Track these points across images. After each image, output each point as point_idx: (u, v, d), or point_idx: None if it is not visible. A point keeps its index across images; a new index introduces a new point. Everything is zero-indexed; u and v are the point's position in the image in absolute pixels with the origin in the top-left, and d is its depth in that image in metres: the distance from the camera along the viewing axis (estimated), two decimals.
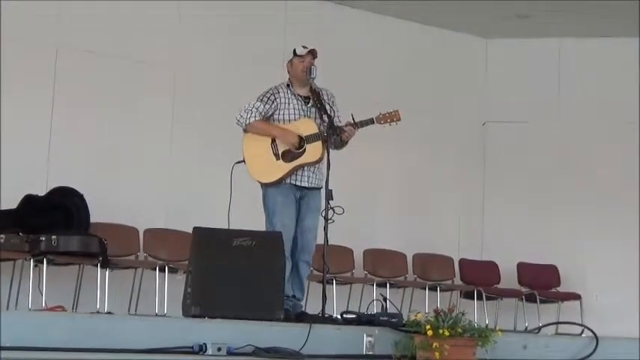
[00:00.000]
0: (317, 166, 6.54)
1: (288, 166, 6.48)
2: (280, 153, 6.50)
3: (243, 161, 6.52)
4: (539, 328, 8.43)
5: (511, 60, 11.07)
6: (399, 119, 6.62)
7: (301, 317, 6.24)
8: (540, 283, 10.11)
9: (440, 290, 9.61)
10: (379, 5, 10.14)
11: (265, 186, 6.55)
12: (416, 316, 5.76)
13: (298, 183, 6.52)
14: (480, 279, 9.95)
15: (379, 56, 10.35)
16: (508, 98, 11.00)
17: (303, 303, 6.66)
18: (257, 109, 6.53)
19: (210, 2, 9.29)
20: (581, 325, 7.74)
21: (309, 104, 6.61)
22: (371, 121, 6.57)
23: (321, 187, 6.45)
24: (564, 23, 10.43)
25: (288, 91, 6.62)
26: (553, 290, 10.13)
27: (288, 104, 6.58)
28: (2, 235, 7.41)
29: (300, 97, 6.62)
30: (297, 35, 8.65)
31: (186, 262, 6.31)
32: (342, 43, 9.88)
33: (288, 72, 6.68)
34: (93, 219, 7.97)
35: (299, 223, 6.53)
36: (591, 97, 10.72)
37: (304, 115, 6.58)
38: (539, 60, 10.97)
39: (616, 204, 10.42)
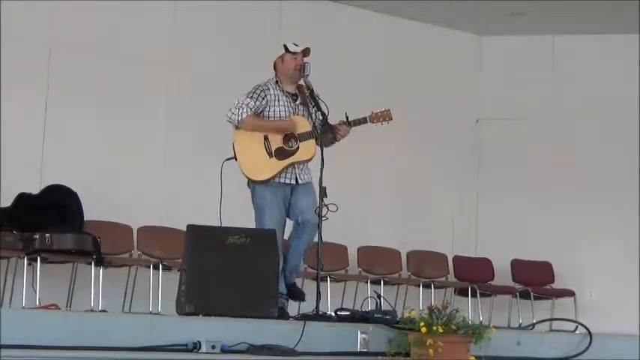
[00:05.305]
0: (306, 163, 6.54)
1: (282, 164, 6.45)
2: (274, 151, 6.46)
3: (234, 158, 6.48)
4: (533, 325, 8.44)
5: (505, 57, 11.07)
6: (391, 118, 6.64)
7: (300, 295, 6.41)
8: (534, 279, 10.11)
9: (434, 287, 9.61)
10: (373, 3, 10.14)
11: (253, 183, 6.51)
12: (410, 313, 5.76)
13: (288, 181, 6.49)
14: (473, 276, 9.95)
15: (373, 53, 10.34)
16: (502, 95, 11.00)
17: (301, 266, 6.70)
18: (247, 105, 6.46)
19: (205, 2, 9.28)
20: (575, 321, 7.73)
21: (298, 101, 6.58)
22: (364, 120, 6.58)
23: (310, 182, 6.47)
24: (558, 20, 10.43)
25: (277, 88, 6.58)
26: (547, 287, 10.13)
27: (278, 101, 6.54)
28: None
29: (289, 94, 6.60)
30: (291, 33, 8.64)
31: (180, 260, 6.31)
32: (335, 41, 9.87)
33: (275, 68, 6.63)
34: (87, 217, 7.98)
35: (296, 205, 6.48)
36: (585, 94, 10.72)
37: (293, 112, 6.55)
38: (533, 57, 10.97)
39: (610, 201, 10.42)
